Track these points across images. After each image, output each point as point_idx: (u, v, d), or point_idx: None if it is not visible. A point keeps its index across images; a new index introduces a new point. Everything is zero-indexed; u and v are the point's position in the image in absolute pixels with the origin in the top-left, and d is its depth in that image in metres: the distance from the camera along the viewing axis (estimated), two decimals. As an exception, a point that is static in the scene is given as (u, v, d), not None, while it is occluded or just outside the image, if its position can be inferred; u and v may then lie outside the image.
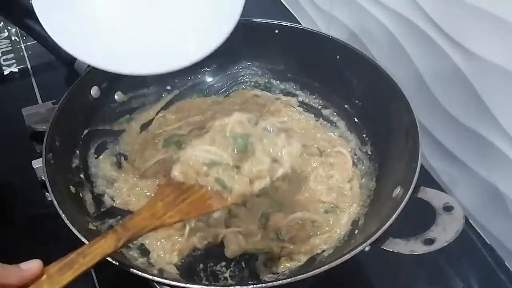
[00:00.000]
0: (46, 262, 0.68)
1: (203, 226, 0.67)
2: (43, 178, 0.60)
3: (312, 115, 0.84)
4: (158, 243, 0.66)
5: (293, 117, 0.83)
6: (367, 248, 0.52)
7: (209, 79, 0.89)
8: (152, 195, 0.58)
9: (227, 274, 0.64)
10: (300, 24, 1.10)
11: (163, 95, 0.86)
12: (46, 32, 0.85)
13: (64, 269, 0.44)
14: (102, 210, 0.70)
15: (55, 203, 0.56)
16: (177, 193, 0.54)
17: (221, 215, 0.67)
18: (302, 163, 0.75)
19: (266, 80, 0.88)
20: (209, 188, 0.53)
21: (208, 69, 0.88)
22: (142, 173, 0.74)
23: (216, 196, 0.53)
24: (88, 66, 0.80)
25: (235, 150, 0.53)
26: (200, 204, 0.53)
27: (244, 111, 0.82)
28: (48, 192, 0.58)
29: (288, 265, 0.64)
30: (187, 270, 0.65)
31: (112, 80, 0.79)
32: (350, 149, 0.77)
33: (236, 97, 0.87)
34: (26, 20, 0.87)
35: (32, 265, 0.43)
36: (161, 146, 0.78)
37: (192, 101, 0.87)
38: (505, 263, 0.70)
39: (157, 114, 0.84)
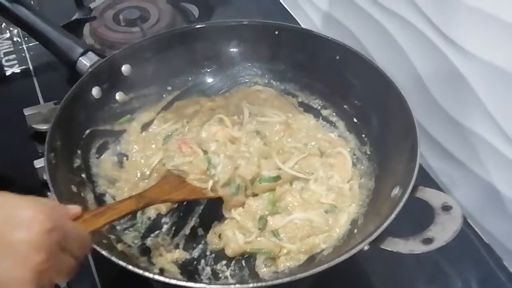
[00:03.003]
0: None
1: None
2: (44, 178, 0.61)
3: (312, 115, 0.84)
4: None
5: (294, 116, 0.83)
6: (366, 248, 0.52)
7: (209, 80, 0.89)
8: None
9: (227, 273, 0.65)
10: (300, 25, 1.11)
11: (163, 95, 0.86)
12: (46, 33, 0.87)
13: (97, 216, 0.54)
14: (103, 209, 0.70)
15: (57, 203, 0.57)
16: (178, 181, 0.69)
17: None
18: (303, 164, 0.75)
19: (266, 81, 0.88)
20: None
21: (208, 70, 0.89)
22: (143, 173, 0.75)
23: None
24: (90, 66, 0.81)
25: None
26: (197, 191, 0.69)
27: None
28: (49, 192, 0.58)
29: (288, 264, 0.65)
30: (188, 269, 0.65)
31: (113, 81, 0.79)
32: (349, 150, 0.78)
33: (237, 93, 0.87)
34: (28, 21, 0.88)
35: (76, 207, 0.52)
36: (161, 145, 0.78)
37: (192, 99, 0.87)
38: (504, 262, 0.71)
39: (157, 114, 0.84)
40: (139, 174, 0.75)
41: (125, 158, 0.78)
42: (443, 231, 0.53)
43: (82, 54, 0.83)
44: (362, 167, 0.75)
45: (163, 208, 0.71)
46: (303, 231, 0.67)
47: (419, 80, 0.78)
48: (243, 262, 0.66)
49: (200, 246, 0.68)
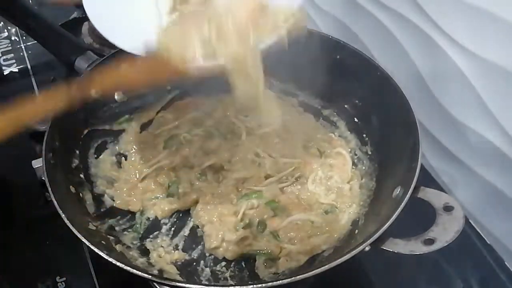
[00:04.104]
0: (46, 262, 0.69)
1: None
2: (43, 178, 0.60)
3: (312, 115, 0.83)
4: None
5: (294, 117, 0.83)
6: (367, 248, 0.52)
7: (209, 79, 0.89)
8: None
9: (227, 274, 0.65)
10: (300, 24, 1.10)
11: (163, 95, 0.86)
12: (45, 32, 0.86)
13: None
14: (102, 210, 0.70)
15: (55, 203, 0.56)
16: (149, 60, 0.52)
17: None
18: (302, 165, 0.75)
19: (266, 80, 0.88)
20: None
21: (208, 69, 0.88)
22: (143, 176, 0.74)
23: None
24: (89, 66, 0.80)
25: None
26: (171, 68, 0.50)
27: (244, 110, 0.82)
28: (48, 192, 0.58)
29: (288, 265, 0.64)
30: (187, 270, 0.65)
31: (112, 80, 0.79)
32: (350, 150, 0.77)
33: None
34: (26, 20, 0.87)
35: None
36: (162, 148, 0.77)
37: (191, 100, 0.87)
38: (505, 263, 0.70)
39: (157, 114, 0.84)
40: (138, 175, 0.74)
41: (123, 158, 0.77)
42: (444, 232, 0.53)
43: (81, 53, 0.83)
44: (363, 167, 0.74)
45: (160, 212, 0.71)
46: (303, 231, 0.67)
47: (420, 79, 0.78)
48: (243, 263, 0.66)
49: (200, 247, 0.68)
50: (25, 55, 1.05)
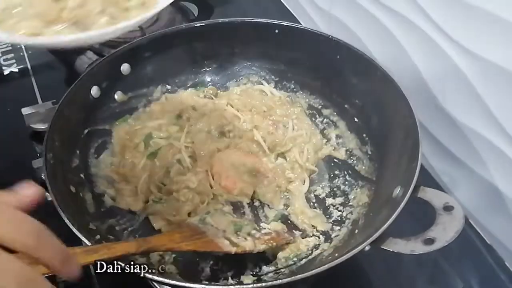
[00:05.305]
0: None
1: None
2: (43, 178, 0.60)
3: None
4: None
5: (298, 117, 0.82)
6: (367, 248, 0.52)
7: (209, 79, 0.89)
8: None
9: (227, 274, 0.64)
10: (300, 23, 1.10)
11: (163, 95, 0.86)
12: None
13: (90, 252, 0.49)
14: (102, 210, 0.70)
15: (55, 202, 0.56)
16: (193, 233, 0.62)
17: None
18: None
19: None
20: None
21: (208, 69, 0.88)
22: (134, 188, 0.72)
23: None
24: (89, 65, 0.80)
25: None
26: (212, 244, 0.61)
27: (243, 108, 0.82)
28: (48, 192, 0.58)
29: (288, 260, 0.64)
30: (187, 270, 0.65)
31: (112, 80, 0.79)
32: (348, 149, 0.77)
33: (236, 90, 0.87)
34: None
35: (28, 187, 0.40)
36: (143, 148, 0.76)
37: (184, 93, 0.86)
38: (505, 263, 0.70)
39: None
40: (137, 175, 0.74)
41: (123, 158, 0.77)
42: (444, 232, 0.53)
43: (81, 53, 0.83)
44: (363, 167, 0.74)
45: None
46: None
47: (421, 79, 0.78)
48: (243, 263, 0.65)
49: (200, 246, 0.68)
50: (25, 55, 1.05)
